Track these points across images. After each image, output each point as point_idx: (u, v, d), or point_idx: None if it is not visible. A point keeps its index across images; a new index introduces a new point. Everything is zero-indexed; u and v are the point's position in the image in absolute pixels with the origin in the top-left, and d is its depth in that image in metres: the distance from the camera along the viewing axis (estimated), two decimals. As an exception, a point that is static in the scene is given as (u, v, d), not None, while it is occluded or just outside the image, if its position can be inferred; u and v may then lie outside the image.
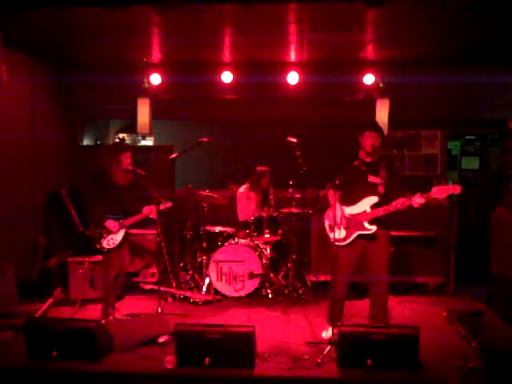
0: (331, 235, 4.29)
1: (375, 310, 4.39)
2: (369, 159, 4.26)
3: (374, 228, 4.18)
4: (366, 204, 4.20)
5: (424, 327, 3.92)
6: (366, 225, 4.19)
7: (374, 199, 4.17)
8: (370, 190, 4.19)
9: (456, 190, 3.87)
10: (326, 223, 4.45)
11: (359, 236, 4.23)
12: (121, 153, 4.68)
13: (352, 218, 4.23)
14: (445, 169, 7.18)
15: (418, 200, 3.92)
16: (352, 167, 4.18)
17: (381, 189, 4.18)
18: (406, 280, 5.79)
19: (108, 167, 4.70)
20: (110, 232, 4.68)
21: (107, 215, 4.67)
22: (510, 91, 6.55)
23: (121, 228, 4.74)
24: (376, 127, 4.30)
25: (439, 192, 3.87)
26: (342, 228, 4.27)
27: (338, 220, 4.23)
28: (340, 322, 4.32)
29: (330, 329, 4.32)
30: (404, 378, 3.65)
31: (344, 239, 4.27)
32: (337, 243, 4.25)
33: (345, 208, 4.29)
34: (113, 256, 4.76)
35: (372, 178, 4.22)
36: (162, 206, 4.87)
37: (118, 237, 4.73)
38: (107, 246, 4.68)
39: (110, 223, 4.68)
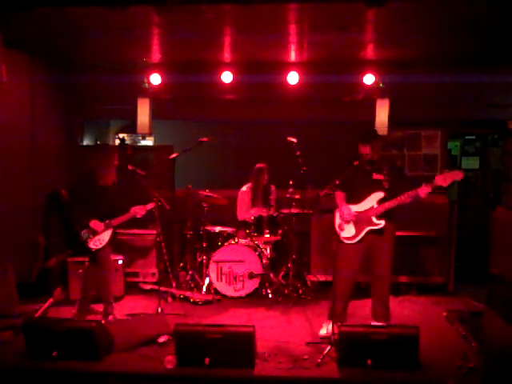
0: (341, 233, 4.39)
1: (376, 307, 4.42)
2: (371, 158, 4.32)
3: (382, 222, 4.25)
4: (373, 200, 4.28)
5: (424, 327, 3.93)
6: (375, 220, 4.27)
7: (380, 194, 4.26)
8: (376, 186, 4.28)
9: (459, 175, 3.91)
10: (337, 222, 4.49)
11: (369, 232, 4.30)
12: (106, 153, 4.71)
13: (360, 215, 4.30)
14: (445, 169, 7.17)
15: (424, 189, 3.97)
16: (353, 167, 4.25)
17: (386, 184, 4.26)
18: (406, 280, 5.80)
19: (95, 168, 4.72)
20: (95, 232, 4.69)
21: (92, 216, 4.68)
22: (510, 91, 6.54)
23: (107, 228, 4.75)
24: (367, 139, 4.30)
25: (443, 179, 3.92)
26: (352, 226, 4.35)
27: (348, 218, 4.31)
28: (343, 321, 4.33)
29: (329, 326, 4.20)
30: (404, 378, 3.65)
31: (354, 237, 4.35)
32: (346, 241, 4.36)
33: (352, 206, 4.36)
34: (105, 255, 4.78)
35: (376, 176, 4.30)
36: (149, 206, 4.88)
37: (105, 237, 4.75)
38: (94, 247, 4.71)
39: (95, 223, 4.69)
